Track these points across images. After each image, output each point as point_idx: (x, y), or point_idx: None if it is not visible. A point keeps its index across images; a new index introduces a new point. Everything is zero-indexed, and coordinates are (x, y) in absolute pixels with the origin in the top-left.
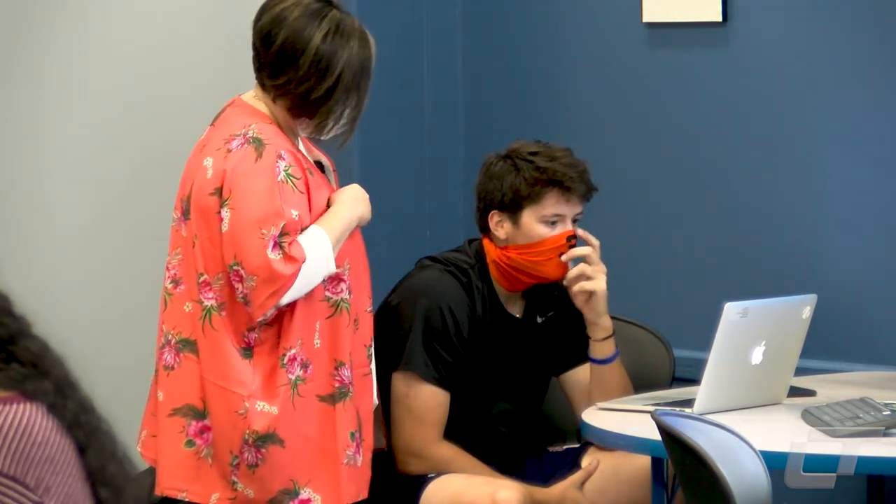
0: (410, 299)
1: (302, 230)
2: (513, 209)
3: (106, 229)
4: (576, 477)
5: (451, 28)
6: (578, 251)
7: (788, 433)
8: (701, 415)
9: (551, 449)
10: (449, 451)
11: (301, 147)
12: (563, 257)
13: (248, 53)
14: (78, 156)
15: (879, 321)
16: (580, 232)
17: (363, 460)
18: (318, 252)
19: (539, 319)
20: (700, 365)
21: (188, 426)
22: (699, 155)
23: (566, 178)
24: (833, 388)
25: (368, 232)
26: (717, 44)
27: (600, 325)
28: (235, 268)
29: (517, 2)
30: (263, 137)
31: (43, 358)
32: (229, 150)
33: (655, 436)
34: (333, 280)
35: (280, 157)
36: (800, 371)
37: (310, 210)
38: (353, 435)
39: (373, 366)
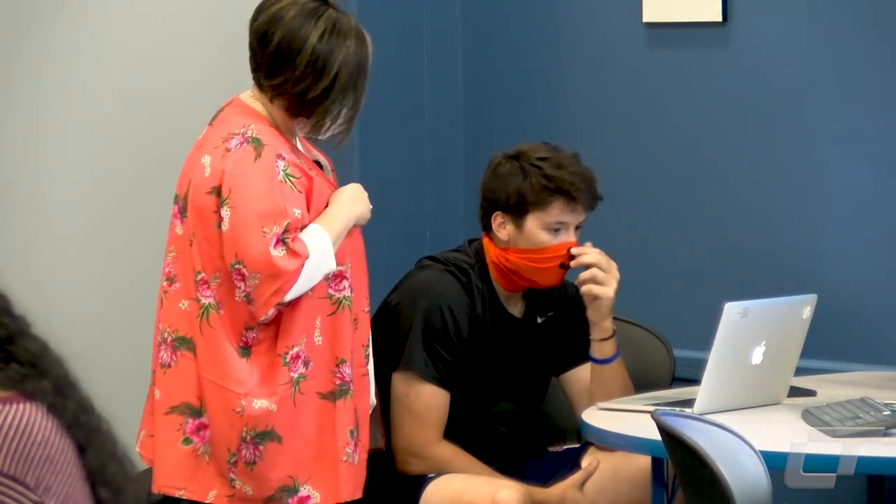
0: (410, 299)
1: (301, 229)
2: (517, 213)
3: (106, 229)
4: (576, 477)
5: (451, 28)
6: (587, 258)
7: (788, 433)
8: (701, 415)
9: (551, 449)
10: (449, 451)
11: (299, 146)
12: (573, 263)
13: (248, 53)
14: (78, 156)
15: (879, 321)
16: (574, 251)
17: (360, 460)
18: (320, 248)
19: (539, 320)
20: (700, 365)
21: (185, 424)
22: (699, 155)
23: (573, 188)
24: (833, 388)
25: (368, 232)
26: (717, 44)
27: (601, 326)
28: (237, 266)
29: (517, 2)
30: (262, 138)
31: (42, 358)
32: (228, 149)
33: (655, 436)
34: (336, 277)
35: (279, 156)
36: (800, 371)
37: (308, 210)
38: (351, 433)
39: (370, 366)
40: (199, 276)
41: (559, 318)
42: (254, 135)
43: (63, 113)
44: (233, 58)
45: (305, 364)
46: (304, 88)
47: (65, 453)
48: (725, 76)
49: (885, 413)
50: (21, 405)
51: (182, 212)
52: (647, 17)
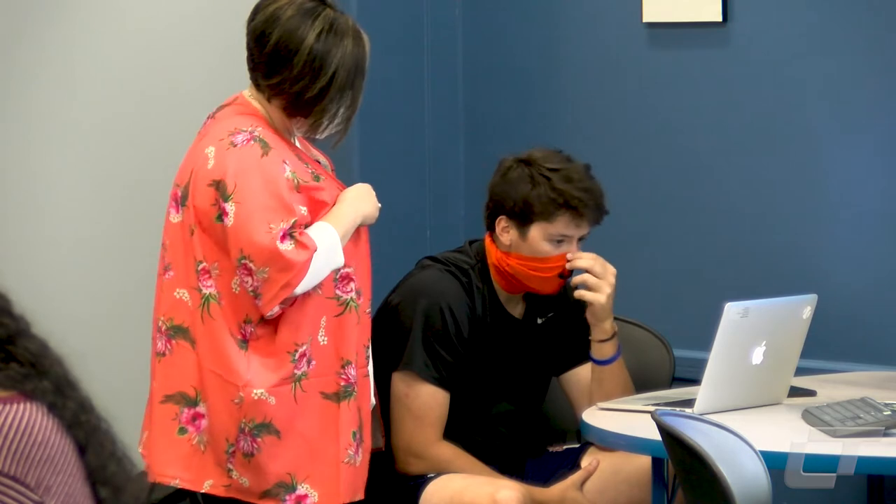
0: (411, 299)
1: (306, 227)
2: (522, 220)
3: (106, 229)
4: (576, 477)
5: (451, 28)
6: (580, 262)
7: (788, 433)
8: (701, 415)
9: (551, 449)
10: (449, 451)
11: (298, 145)
12: (568, 265)
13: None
14: (77, 156)
15: (879, 321)
16: (568, 255)
17: (361, 461)
18: (328, 243)
19: (539, 320)
20: (700, 365)
21: (181, 414)
22: (699, 155)
23: (580, 205)
24: (833, 388)
25: (368, 232)
26: (717, 44)
27: (601, 328)
28: (244, 261)
29: (517, 2)
30: (269, 141)
31: (42, 357)
32: (234, 144)
33: (655, 436)
34: (343, 279)
35: (284, 162)
36: (800, 371)
37: (314, 210)
38: (354, 434)
39: (370, 367)
40: (201, 266)
41: (559, 318)
42: (261, 136)
43: (62, 113)
44: (233, 58)
45: (309, 362)
46: (301, 88)
47: (65, 453)
48: (725, 76)
49: (885, 413)
50: (21, 405)
51: (182, 200)
52: (647, 17)
